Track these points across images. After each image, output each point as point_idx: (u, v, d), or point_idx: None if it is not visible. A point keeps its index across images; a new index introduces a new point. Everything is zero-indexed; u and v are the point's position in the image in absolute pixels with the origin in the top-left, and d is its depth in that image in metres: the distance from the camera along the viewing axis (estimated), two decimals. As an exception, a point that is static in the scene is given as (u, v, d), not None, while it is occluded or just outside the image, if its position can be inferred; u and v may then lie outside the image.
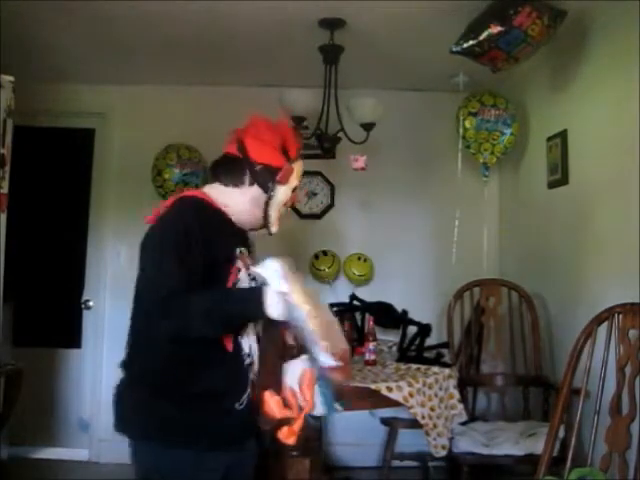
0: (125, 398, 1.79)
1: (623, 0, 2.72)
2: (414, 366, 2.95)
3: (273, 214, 1.81)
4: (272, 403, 1.64)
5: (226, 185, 1.81)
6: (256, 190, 1.79)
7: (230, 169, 1.81)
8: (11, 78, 3.02)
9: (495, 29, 2.71)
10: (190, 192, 1.87)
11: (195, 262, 1.60)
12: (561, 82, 3.41)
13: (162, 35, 3.47)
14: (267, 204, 1.79)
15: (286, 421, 1.64)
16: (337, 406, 1.70)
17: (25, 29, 3.33)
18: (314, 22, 3.24)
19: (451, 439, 2.90)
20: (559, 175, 3.38)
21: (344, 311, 3.50)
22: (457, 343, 3.76)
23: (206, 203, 1.77)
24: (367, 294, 3.88)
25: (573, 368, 2.29)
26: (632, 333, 2.22)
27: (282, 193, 1.80)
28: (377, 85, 4.16)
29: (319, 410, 1.67)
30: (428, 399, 2.74)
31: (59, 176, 4.47)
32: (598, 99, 3.05)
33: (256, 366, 1.77)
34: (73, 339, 4.38)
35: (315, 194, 4.42)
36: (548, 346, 3.53)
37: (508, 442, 2.99)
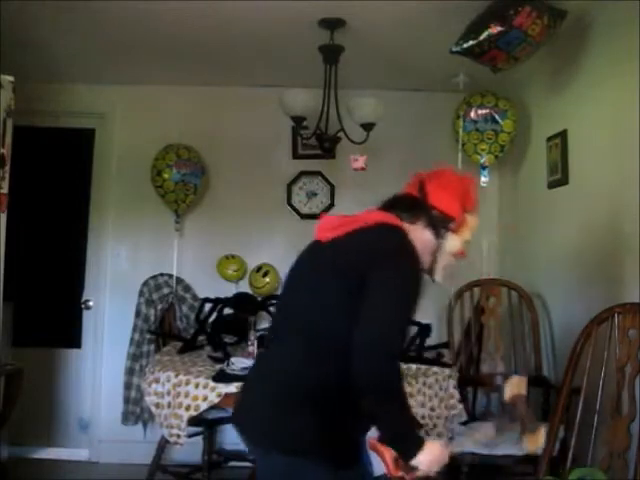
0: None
1: (623, 0, 2.73)
2: (414, 366, 2.95)
3: (440, 261, 1.82)
4: (388, 457, 1.62)
5: (401, 219, 1.78)
6: (429, 234, 1.80)
7: (408, 206, 1.83)
8: (11, 78, 3.02)
9: (495, 29, 2.71)
10: (393, 220, 1.77)
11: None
12: (561, 82, 3.41)
13: (162, 35, 3.46)
14: (437, 250, 1.81)
15: None
16: None
17: (25, 29, 3.33)
18: (314, 22, 3.24)
19: (451, 439, 2.90)
20: (559, 175, 3.38)
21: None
22: (457, 343, 3.76)
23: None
24: (367, 294, 3.87)
25: (573, 368, 2.29)
26: (632, 333, 2.22)
27: (452, 242, 1.82)
28: (377, 85, 4.16)
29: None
30: (428, 399, 2.74)
31: (59, 176, 4.47)
32: (598, 99, 3.05)
33: None
34: (73, 339, 4.38)
35: (315, 194, 4.42)
36: (548, 346, 3.53)
37: (508, 442, 2.99)
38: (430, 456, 1.58)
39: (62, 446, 4.23)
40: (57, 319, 4.42)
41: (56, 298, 4.43)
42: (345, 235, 1.70)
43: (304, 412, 1.61)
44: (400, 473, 1.61)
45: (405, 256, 1.64)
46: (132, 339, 4.13)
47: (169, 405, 2.70)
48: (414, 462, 1.57)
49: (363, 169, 3.40)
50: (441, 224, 1.80)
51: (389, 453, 1.61)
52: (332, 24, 3.25)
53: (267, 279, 4.14)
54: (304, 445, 1.60)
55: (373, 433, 1.65)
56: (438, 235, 1.80)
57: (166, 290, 4.24)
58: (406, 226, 1.76)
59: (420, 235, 1.78)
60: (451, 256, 1.83)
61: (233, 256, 4.25)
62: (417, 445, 1.58)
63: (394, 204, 1.84)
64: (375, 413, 1.57)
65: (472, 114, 3.67)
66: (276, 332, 1.83)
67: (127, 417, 4.09)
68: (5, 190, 3.03)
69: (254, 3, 3.01)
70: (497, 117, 3.65)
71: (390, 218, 1.76)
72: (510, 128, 3.69)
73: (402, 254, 1.64)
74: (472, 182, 1.94)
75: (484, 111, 3.66)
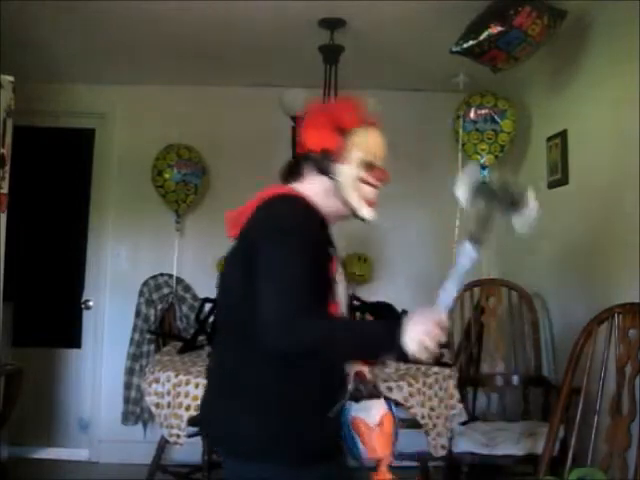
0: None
1: (623, 0, 2.73)
2: (414, 366, 2.95)
3: (351, 197, 1.62)
4: (375, 437, 1.54)
5: (292, 185, 1.68)
6: (322, 180, 1.64)
7: (291, 167, 1.73)
8: (11, 78, 3.02)
9: (495, 29, 2.71)
10: (282, 189, 1.67)
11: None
12: (561, 82, 3.41)
13: (162, 35, 3.47)
14: (338, 190, 1.62)
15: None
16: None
17: (25, 29, 3.33)
18: (314, 22, 3.24)
19: (451, 439, 2.90)
20: (559, 175, 3.38)
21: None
22: (457, 343, 3.76)
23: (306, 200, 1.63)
24: (367, 294, 3.87)
25: (573, 368, 2.29)
26: (632, 333, 2.22)
27: (345, 172, 1.61)
28: (377, 85, 4.15)
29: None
30: (428, 399, 2.74)
31: (59, 176, 4.47)
32: (598, 99, 3.05)
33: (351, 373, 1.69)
34: (73, 339, 4.38)
35: (315, 194, 4.42)
36: (548, 346, 3.53)
37: (508, 442, 2.99)
38: (414, 332, 1.39)
39: (62, 446, 4.23)
40: (57, 319, 4.42)
41: (56, 298, 4.43)
42: (246, 222, 1.62)
43: (247, 413, 1.53)
44: (381, 456, 1.56)
45: (287, 225, 1.51)
46: (132, 339, 4.13)
47: (169, 405, 2.70)
48: (406, 349, 1.39)
49: (363, 169, 3.39)
50: (324, 163, 1.62)
51: (372, 433, 1.55)
52: (332, 24, 3.25)
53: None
54: (253, 447, 1.52)
55: (357, 412, 1.58)
56: (328, 175, 1.62)
57: (166, 290, 4.24)
58: (299, 189, 1.64)
59: (317, 188, 1.64)
60: (359, 185, 1.63)
61: (233, 256, 4.24)
62: (393, 333, 1.41)
63: (284, 174, 1.75)
64: (332, 360, 1.54)
65: (472, 114, 3.68)
66: (216, 332, 1.83)
67: (127, 417, 4.09)
68: (5, 190, 3.03)
69: (254, 3, 3.01)
70: (496, 117, 3.65)
71: (280, 189, 1.66)
72: (509, 128, 3.68)
73: (283, 225, 1.52)
74: (346, 101, 1.73)
75: (483, 111, 3.66)
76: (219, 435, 1.63)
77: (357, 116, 1.66)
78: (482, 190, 1.55)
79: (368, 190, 1.64)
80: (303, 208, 1.58)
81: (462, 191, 1.56)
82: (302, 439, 1.53)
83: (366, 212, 1.64)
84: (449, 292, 1.48)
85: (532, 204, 1.58)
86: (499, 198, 1.56)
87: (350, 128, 1.64)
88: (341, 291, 1.63)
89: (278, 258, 1.46)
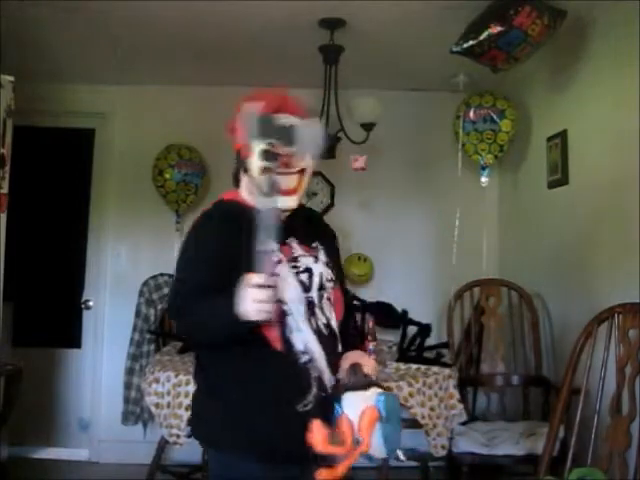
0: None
1: (623, 0, 2.73)
2: (414, 366, 2.95)
3: (256, 186, 1.58)
4: (318, 435, 1.45)
5: (237, 188, 1.78)
6: (245, 177, 1.72)
7: (236, 170, 1.79)
8: (11, 78, 3.02)
9: (495, 29, 2.71)
10: (224, 193, 1.85)
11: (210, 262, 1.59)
12: (561, 82, 3.41)
13: (162, 35, 3.46)
14: (252, 183, 1.65)
15: (332, 458, 1.49)
16: (399, 453, 1.54)
17: (25, 29, 3.33)
18: (314, 22, 3.24)
19: (451, 439, 2.90)
20: (559, 175, 3.38)
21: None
22: (457, 343, 3.76)
23: (228, 201, 1.77)
24: (367, 294, 3.88)
25: (573, 368, 2.29)
26: (632, 333, 2.22)
27: (253, 165, 1.62)
28: (377, 85, 4.15)
29: (378, 451, 1.50)
30: (428, 399, 2.74)
31: (59, 176, 4.47)
32: (598, 99, 3.05)
33: (320, 363, 1.63)
34: (73, 339, 4.38)
35: (315, 194, 4.42)
36: (548, 346, 3.53)
37: (508, 442, 2.99)
38: (242, 300, 1.41)
39: (62, 446, 4.23)
40: (57, 319, 4.42)
41: (56, 298, 4.42)
42: None
43: (210, 403, 1.67)
44: (332, 450, 1.47)
45: (194, 226, 1.72)
46: (132, 339, 4.13)
47: (169, 405, 2.70)
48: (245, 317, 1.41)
49: (363, 169, 3.40)
50: (239, 160, 1.73)
51: (320, 432, 1.46)
52: (332, 24, 3.25)
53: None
54: (216, 437, 1.65)
55: (346, 406, 1.51)
56: (246, 171, 1.68)
57: (166, 290, 4.22)
58: (238, 190, 1.77)
59: (244, 185, 1.74)
60: (269, 175, 1.56)
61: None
62: (230, 306, 1.42)
63: (233, 178, 1.83)
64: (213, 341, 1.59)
65: (471, 114, 3.67)
66: None
67: (127, 417, 4.08)
68: (5, 190, 3.04)
69: (254, 3, 3.00)
70: (495, 117, 3.65)
71: (224, 193, 1.82)
72: (508, 128, 3.68)
73: (189, 229, 1.72)
74: (254, 94, 1.77)
75: (482, 111, 3.66)
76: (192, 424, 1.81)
77: (260, 107, 1.66)
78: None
79: (279, 178, 1.58)
80: (209, 211, 1.75)
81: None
82: (252, 431, 1.59)
83: (280, 201, 1.57)
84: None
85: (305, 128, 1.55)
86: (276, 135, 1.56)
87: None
88: (285, 273, 1.63)
89: (178, 259, 1.68)
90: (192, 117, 4.36)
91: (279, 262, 1.62)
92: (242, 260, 1.46)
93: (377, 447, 1.49)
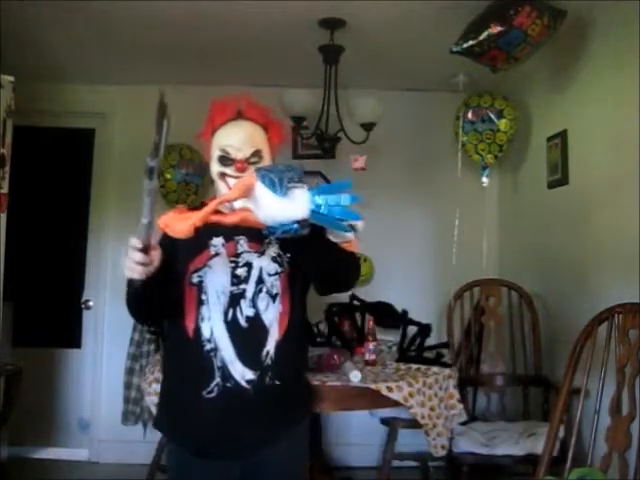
0: None
1: (623, 0, 2.73)
2: (414, 366, 2.95)
3: (216, 189, 1.81)
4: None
5: None
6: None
7: None
8: (11, 78, 3.02)
9: (495, 29, 2.71)
10: None
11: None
12: (561, 82, 3.41)
13: (162, 35, 3.46)
14: (216, 188, 1.82)
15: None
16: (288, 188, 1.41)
17: (25, 29, 3.33)
18: (314, 22, 3.24)
19: (451, 439, 2.90)
20: (559, 175, 3.38)
21: (344, 311, 3.50)
22: (457, 343, 3.76)
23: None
24: (367, 294, 3.87)
25: (573, 368, 2.29)
26: (632, 333, 2.22)
27: (213, 170, 1.83)
28: (377, 85, 4.15)
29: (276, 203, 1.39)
30: (428, 399, 2.74)
31: (59, 176, 4.47)
32: (598, 99, 3.05)
33: (226, 352, 1.69)
34: (73, 339, 4.38)
35: (315, 194, 4.42)
36: (548, 346, 3.53)
37: (508, 442, 2.99)
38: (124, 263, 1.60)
39: (62, 446, 4.23)
40: (57, 319, 4.42)
41: (56, 298, 4.42)
42: None
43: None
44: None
45: None
46: (132, 339, 4.12)
47: (169, 405, 2.69)
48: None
49: (363, 169, 3.40)
50: (207, 167, 1.89)
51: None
52: (332, 24, 3.25)
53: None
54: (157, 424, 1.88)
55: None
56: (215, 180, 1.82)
57: (166, 290, 4.23)
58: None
59: (215, 189, 1.85)
60: (226, 180, 1.77)
61: (233, 256, 4.25)
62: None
63: None
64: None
65: (470, 115, 3.67)
66: None
67: (127, 417, 4.08)
68: (5, 190, 3.04)
69: (254, 3, 3.01)
70: (493, 117, 3.65)
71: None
72: (507, 127, 3.68)
73: None
74: (222, 100, 1.96)
75: (480, 111, 3.66)
76: None
77: (223, 114, 1.84)
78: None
79: (234, 183, 1.63)
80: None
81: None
82: (169, 417, 1.79)
83: (236, 203, 1.53)
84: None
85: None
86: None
87: (217, 127, 1.85)
88: (219, 266, 1.71)
89: None
90: (191, 117, 4.33)
91: (215, 256, 1.72)
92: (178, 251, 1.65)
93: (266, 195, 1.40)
